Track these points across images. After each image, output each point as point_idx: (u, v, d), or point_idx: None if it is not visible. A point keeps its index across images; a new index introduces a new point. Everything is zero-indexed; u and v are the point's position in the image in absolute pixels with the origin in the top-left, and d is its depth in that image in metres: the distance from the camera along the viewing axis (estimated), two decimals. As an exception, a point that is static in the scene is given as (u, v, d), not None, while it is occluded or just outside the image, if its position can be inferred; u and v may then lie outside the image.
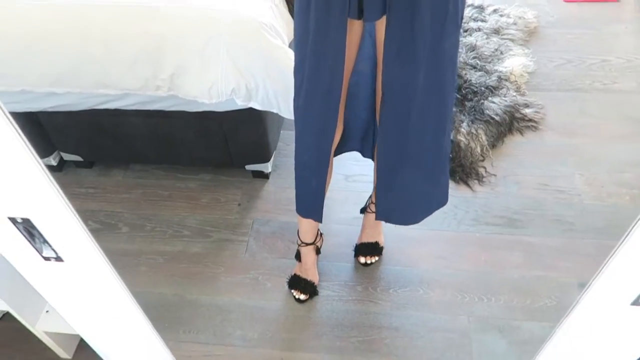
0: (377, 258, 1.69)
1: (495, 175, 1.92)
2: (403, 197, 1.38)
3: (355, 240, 1.71)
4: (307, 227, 1.54)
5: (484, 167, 1.94)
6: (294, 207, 1.77)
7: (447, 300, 1.59)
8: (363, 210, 1.71)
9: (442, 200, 1.46)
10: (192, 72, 1.48)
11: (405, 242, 1.74)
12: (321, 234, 1.65)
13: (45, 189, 0.60)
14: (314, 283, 1.61)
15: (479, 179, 1.90)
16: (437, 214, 1.66)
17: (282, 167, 2.00)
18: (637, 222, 0.63)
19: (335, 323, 1.55)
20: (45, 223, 0.65)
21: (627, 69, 2.32)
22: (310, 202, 1.41)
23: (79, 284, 0.77)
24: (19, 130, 0.56)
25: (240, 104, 1.57)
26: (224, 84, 1.49)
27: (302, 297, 1.59)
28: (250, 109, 1.63)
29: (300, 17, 1.11)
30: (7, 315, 1.46)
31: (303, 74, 1.16)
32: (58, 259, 0.72)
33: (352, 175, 1.93)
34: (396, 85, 1.14)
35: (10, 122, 0.54)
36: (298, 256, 1.65)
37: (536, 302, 1.57)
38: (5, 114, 0.53)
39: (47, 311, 1.41)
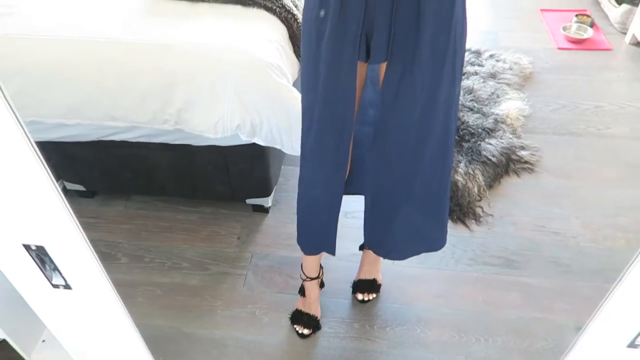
0: (374, 295, 1.69)
1: (492, 215, 1.95)
2: (390, 231, 1.40)
3: (354, 277, 1.72)
4: (311, 262, 1.56)
5: (481, 207, 1.97)
6: (293, 241, 1.80)
7: (444, 340, 1.59)
8: (362, 247, 1.72)
9: (434, 244, 1.48)
10: (200, 107, 1.53)
11: (403, 280, 1.75)
12: (321, 267, 1.66)
13: (62, 217, 0.63)
14: (317, 317, 1.61)
15: (476, 218, 1.93)
16: (436, 252, 1.69)
17: (282, 202, 2.02)
18: (631, 265, 0.65)
19: (332, 360, 1.55)
20: (59, 251, 0.67)
21: (620, 115, 2.39)
22: (321, 237, 1.44)
23: (84, 312, 0.78)
24: (42, 159, 0.58)
25: (244, 139, 1.60)
26: (230, 120, 1.54)
27: (306, 332, 1.59)
28: (254, 144, 1.67)
29: (309, 59, 1.15)
30: (2, 343, 1.44)
31: (312, 115, 1.20)
32: (67, 286, 0.73)
33: (351, 212, 1.96)
34: (391, 125, 1.18)
35: (35, 151, 0.56)
36: (301, 291, 1.66)
37: (533, 344, 1.57)
38: (30, 142, 0.56)
39: (43, 340, 1.40)
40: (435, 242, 1.48)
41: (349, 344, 1.58)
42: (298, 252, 1.82)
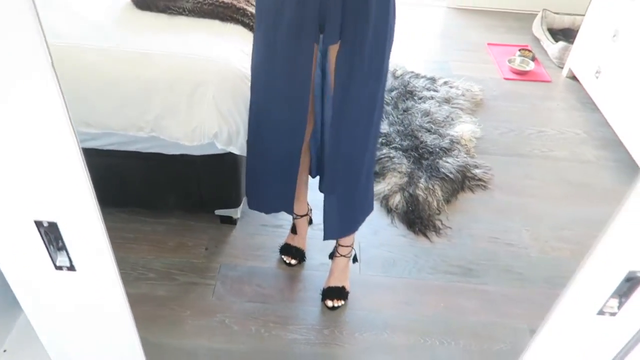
0: (343, 302, 1.74)
1: (451, 227, 2.06)
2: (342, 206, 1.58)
3: (322, 285, 1.76)
4: (298, 203, 1.74)
5: (440, 220, 2.08)
6: (261, 252, 1.88)
7: (410, 344, 1.65)
8: (331, 256, 1.77)
9: (370, 209, 1.68)
10: (178, 115, 1.55)
11: (370, 288, 1.81)
12: (309, 206, 1.88)
13: (81, 191, 0.64)
14: (303, 250, 1.85)
15: (437, 230, 2.03)
16: (400, 262, 1.78)
17: (249, 213, 2.04)
18: (576, 274, 0.75)
19: (303, 366, 1.56)
20: (72, 228, 0.68)
21: (561, 139, 2.61)
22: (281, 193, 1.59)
23: (85, 297, 0.78)
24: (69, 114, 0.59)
25: (220, 147, 1.63)
26: (207, 128, 1.57)
27: (293, 262, 1.82)
28: (226, 155, 1.70)
29: (265, 43, 1.32)
30: (-44, 355, 1.36)
31: (266, 92, 1.41)
32: (71, 268, 0.73)
33: (317, 224, 2.01)
34: (348, 99, 1.35)
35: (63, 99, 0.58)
36: (292, 228, 1.86)
37: (492, 346, 1.66)
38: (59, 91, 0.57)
39: (5, 350, 1.34)
40: (370, 206, 1.68)
41: (319, 349, 1.61)
42: (267, 263, 1.85)
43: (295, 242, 1.86)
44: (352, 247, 1.73)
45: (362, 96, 1.35)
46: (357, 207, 1.62)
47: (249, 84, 1.59)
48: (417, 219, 2.05)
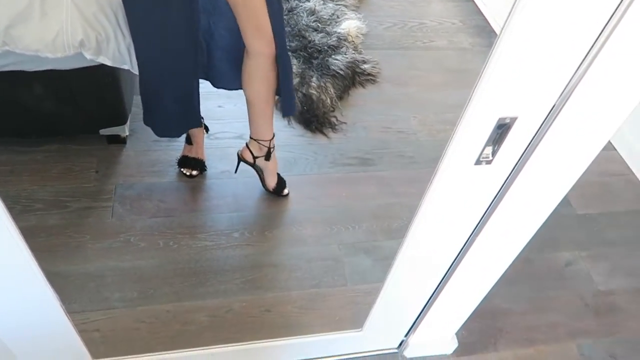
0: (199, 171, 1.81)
1: (345, 123, 2.12)
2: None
3: (225, 194, 1.76)
4: None
5: (335, 117, 2.12)
6: (158, 168, 1.81)
7: (318, 233, 1.73)
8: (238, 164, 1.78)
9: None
10: (32, 22, 1.36)
11: (274, 188, 1.84)
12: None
13: None
14: (203, 160, 1.80)
15: (332, 127, 2.08)
16: (301, 160, 1.82)
17: (139, 130, 1.93)
18: (454, 129, 0.82)
19: (216, 270, 1.59)
20: None
21: (440, 30, 2.72)
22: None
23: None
24: None
25: (89, 57, 1.48)
26: (71, 35, 1.40)
27: (194, 173, 1.78)
28: (102, 67, 1.55)
29: None
30: None
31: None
32: None
33: (213, 133, 1.96)
34: None
35: None
36: (187, 139, 1.78)
37: (392, 224, 1.80)
38: None
39: None
40: None
41: (231, 252, 1.64)
42: (165, 178, 1.80)
43: (193, 152, 1.80)
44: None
45: None
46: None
47: (114, -19, 1.43)
48: (312, 117, 2.07)
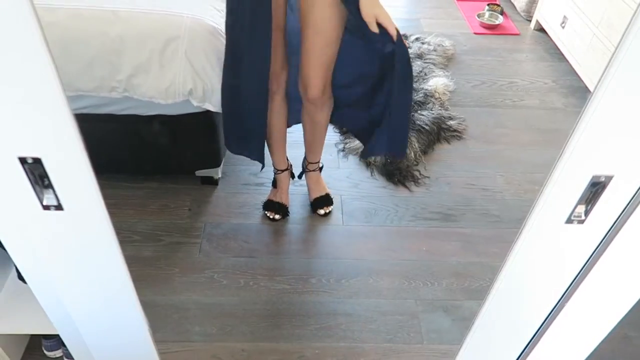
0: (331, 207, 1.91)
1: (428, 177, 2.11)
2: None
3: (304, 239, 1.80)
4: (278, 156, 1.82)
5: (418, 171, 2.13)
6: (245, 210, 1.91)
7: (395, 287, 1.71)
8: (300, 176, 1.93)
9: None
10: (150, 73, 1.54)
11: (354, 237, 1.86)
12: (289, 162, 1.90)
13: (64, 125, 0.65)
14: (286, 206, 1.88)
15: (415, 180, 2.08)
16: (381, 211, 1.84)
17: (230, 173, 2.06)
18: (543, 187, 0.81)
19: (292, 314, 1.61)
20: (56, 165, 0.68)
21: (531, 89, 2.67)
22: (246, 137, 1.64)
23: (74, 237, 0.80)
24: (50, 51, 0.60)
25: (196, 104, 1.63)
26: (182, 85, 1.56)
27: (277, 217, 1.86)
28: (203, 114, 1.70)
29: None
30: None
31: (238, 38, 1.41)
32: (59, 207, 0.74)
33: (299, 180, 2.03)
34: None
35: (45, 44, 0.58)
36: (274, 183, 1.90)
37: (473, 284, 1.73)
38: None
39: (-6, 313, 1.34)
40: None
41: (307, 297, 1.66)
42: (250, 220, 1.88)
43: (278, 197, 1.89)
44: (319, 161, 1.89)
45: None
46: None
47: (222, 39, 1.59)
48: (395, 170, 2.09)
